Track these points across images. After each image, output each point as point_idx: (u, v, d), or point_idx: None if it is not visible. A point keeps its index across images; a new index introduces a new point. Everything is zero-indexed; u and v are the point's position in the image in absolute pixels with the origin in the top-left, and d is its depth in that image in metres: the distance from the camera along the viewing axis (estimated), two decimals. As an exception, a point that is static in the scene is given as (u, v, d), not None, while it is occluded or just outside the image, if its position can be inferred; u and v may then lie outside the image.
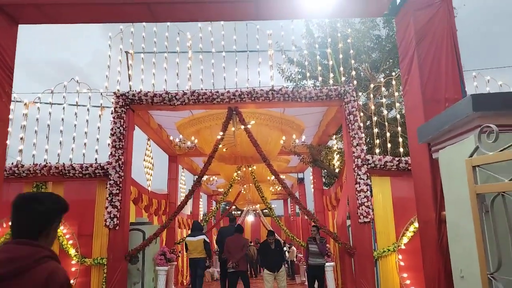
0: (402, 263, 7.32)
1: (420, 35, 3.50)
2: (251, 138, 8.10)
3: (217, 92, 7.89)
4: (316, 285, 8.09)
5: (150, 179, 10.33)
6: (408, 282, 7.22)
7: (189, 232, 9.15)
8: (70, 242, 7.57)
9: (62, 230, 7.61)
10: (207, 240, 8.60)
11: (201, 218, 15.50)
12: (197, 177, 8.45)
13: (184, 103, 7.91)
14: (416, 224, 7.45)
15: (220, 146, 8.38)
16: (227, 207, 20.95)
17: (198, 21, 6.93)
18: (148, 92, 7.95)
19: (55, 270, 1.60)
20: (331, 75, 8.20)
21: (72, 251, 7.50)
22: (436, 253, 3.11)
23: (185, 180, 14.33)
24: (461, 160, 2.35)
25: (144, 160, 10.23)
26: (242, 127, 8.15)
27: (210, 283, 13.19)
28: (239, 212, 24.91)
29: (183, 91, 7.94)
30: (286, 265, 13.74)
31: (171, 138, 9.25)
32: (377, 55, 10.40)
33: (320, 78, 8.23)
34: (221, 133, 8.12)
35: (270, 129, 9.52)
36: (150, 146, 10.54)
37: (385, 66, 9.93)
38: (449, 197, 2.78)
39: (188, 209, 16.37)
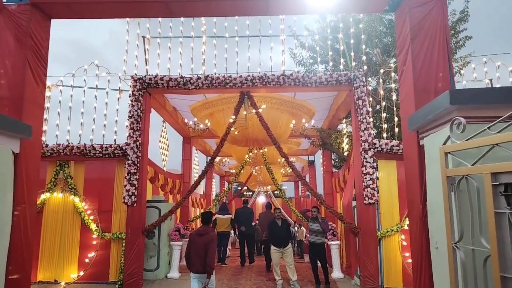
0: (404, 243, 7.61)
1: (415, 32, 3.73)
2: (262, 122, 8.40)
3: (230, 76, 8.16)
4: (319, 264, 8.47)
5: (165, 160, 10.81)
6: (410, 260, 7.50)
7: (219, 211, 11.24)
8: (91, 217, 8.11)
9: (83, 206, 8.16)
10: (233, 218, 10.91)
11: (214, 198, 16.04)
12: (209, 158, 8.84)
13: (198, 87, 8.21)
14: (420, 207, 7.73)
15: (232, 129, 8.71)
16: (239, 188, 21.45)
17: (212, 16, 7.29)
18: (164, 76, 8.26)
19: (215, 234, 5.48)
20: (342, 60, 8.36)
21: (93, 226, 8.05)
22: (420, 228, 3.41)
23: (198, 161, 14.84)
24: (438, 147, 2.63)
25: (160, 141, 10.69)
26: (254, 111, 8.45)
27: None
28: (250, 193, 25.44)
29: (197, 75, 8.23)
30: (296, 245, 14.12)
31: (186, 120, 9.63)
32: (389, 39, 10.45)
33: (331, 63, 8.40)
34: (233, 117, 8.44)
35: (281, 113, 9.78)
36: (165, 128, 10.98)
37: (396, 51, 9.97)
38: (430, 178, 3.06)
39: (201, 189, 16.93)
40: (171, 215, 8.34)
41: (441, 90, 3.49)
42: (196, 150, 14.74)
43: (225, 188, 15.10)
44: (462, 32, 9.94)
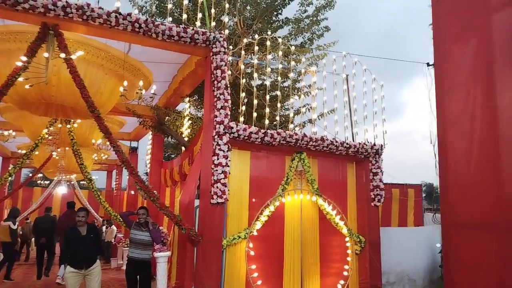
0: (252, 253, 6.23)
1: None
2: (74, 75, 5.50)
3: (26, -8, 5.04)
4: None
5: None
6: (255, 274, 6.21)
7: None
8: None
9: None
10: (13, 227, 9.46)
11: (-13, 186, 11.37)
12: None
13: (-41, -6, 4.75)
14: (272, 208, 6.49)
15: (22, 79, 5.46)
16: (30, 174, 16.59)
17: None
18: None
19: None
20: (200, 15, 6.39)
21: None
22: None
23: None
24: None
25: None
26: (63, 55, 5.45)
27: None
28: (47, 182, 20.30)
29: (-41, -26, 4.77)
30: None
31: None
32: (251, 11, 9.01)
33: (185, 16, 6.24)
34: (25, 58, 5.24)
35: (105, 74, 6.97)
36: None
37: (257, 26, 8.64)
38: None
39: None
40: None
41: None
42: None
43: (5, 176, 10.67)
44: (323, 21, 9.37)
